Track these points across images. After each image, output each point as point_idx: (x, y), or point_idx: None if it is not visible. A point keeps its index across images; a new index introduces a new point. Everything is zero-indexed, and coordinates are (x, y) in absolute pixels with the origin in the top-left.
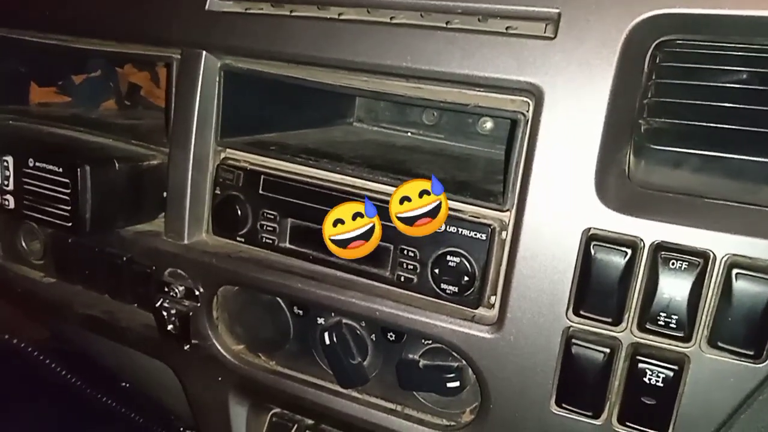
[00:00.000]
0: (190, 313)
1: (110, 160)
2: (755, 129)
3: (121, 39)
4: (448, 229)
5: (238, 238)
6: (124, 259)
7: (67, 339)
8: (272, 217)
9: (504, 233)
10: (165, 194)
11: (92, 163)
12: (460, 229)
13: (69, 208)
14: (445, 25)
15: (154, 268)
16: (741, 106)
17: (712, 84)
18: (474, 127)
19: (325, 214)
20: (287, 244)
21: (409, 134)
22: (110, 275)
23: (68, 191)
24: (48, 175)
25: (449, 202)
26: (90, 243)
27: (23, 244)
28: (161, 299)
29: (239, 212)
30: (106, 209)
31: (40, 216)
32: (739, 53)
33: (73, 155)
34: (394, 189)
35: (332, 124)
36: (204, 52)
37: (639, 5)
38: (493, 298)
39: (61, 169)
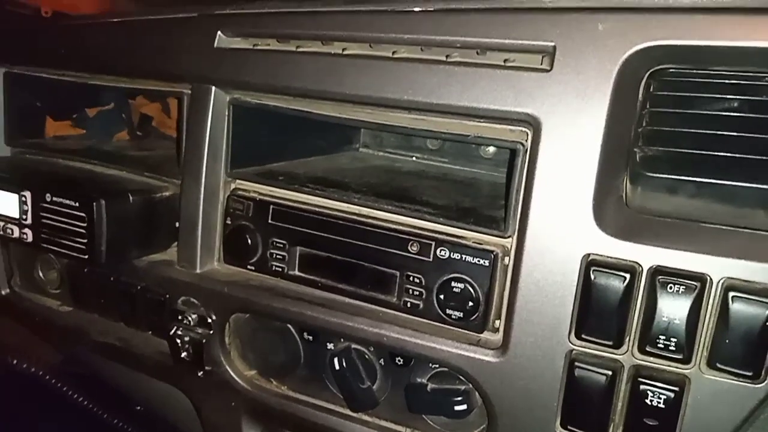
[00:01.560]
0: (203, 341)
1: (124, 193)
2: (747, 156)
3: (134, 75)
4: (452, 255)
5: (248, 267)
6: (139, 287)
7: (80, 362)
8: (281, 245)
9: (507, 259)
10: (177, 224)
11: (107, 196)
12: (463, 256)
13: (85, 240)
14: (444, 59)
15: (167, 296)
16: (733, 133)
17: (704, 112)
18: (477, 152)
19: (332, 243)
20: (296, 272)
21: (414, 159)
22: (125, 304)
23: (84, 225)
24: (65, 210)
25: (453, 229)
26: (105, 272)
27: (40, 273)
28: (175, 327)
29: (249, 241)
30: (121, 241)
31: (57, 249)
32: (731, 81)
33: (88, 189)
34: (399, 217)
35: (339, 151)
36: (213, 87)
37: (632, 37)
38: (497, 322)
39: (77, 204)
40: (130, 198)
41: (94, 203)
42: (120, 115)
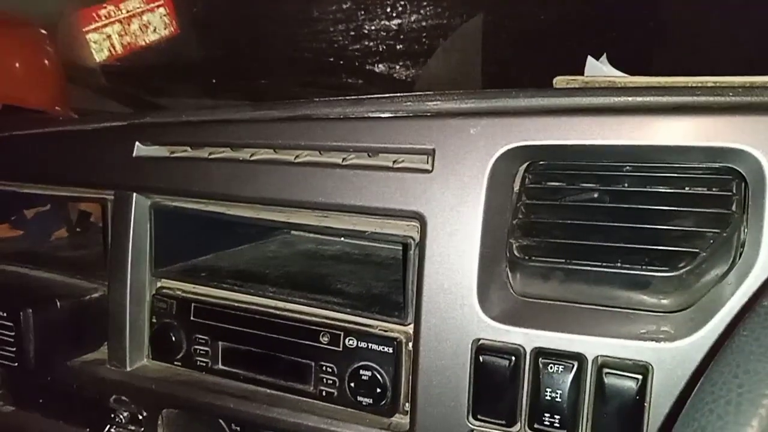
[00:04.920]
0: None
1: (52, 299)
2: (608, 244)
3: (61, 184)
4: (359, 344)
5: (175, 363)
6: (73, 387)
7: None
8: (204, 341)
9: (410, 344)
10: None
11: (35, 305)
12: (370, 344)
13: (14, 349)
14: (341, 162)
15: (100, 395)
16: (596, 222)
17: (569, 203)
18: None
19: (251, 337)
20: (220, 366)
21: (342, 239)
22: (62, 403)
23: (13, 334)
24: None
25: (361, 318)
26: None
27: None
28: (108, 426)
29: (174, 338)
30: (50, 347)
31: None
32: (593, 172)
33: (16, 298)
34: (310, 309)
35: (269, 236)
36: (134, 194)
37: (499, 139)
38: (407, 405)
39: (4, 314)
40: (58, 304)
41: (21, 313)
42: (58, 213)
